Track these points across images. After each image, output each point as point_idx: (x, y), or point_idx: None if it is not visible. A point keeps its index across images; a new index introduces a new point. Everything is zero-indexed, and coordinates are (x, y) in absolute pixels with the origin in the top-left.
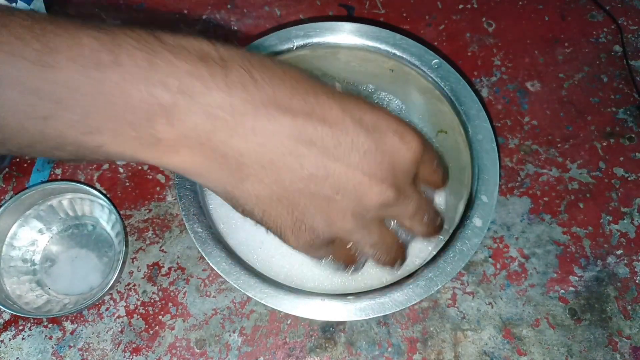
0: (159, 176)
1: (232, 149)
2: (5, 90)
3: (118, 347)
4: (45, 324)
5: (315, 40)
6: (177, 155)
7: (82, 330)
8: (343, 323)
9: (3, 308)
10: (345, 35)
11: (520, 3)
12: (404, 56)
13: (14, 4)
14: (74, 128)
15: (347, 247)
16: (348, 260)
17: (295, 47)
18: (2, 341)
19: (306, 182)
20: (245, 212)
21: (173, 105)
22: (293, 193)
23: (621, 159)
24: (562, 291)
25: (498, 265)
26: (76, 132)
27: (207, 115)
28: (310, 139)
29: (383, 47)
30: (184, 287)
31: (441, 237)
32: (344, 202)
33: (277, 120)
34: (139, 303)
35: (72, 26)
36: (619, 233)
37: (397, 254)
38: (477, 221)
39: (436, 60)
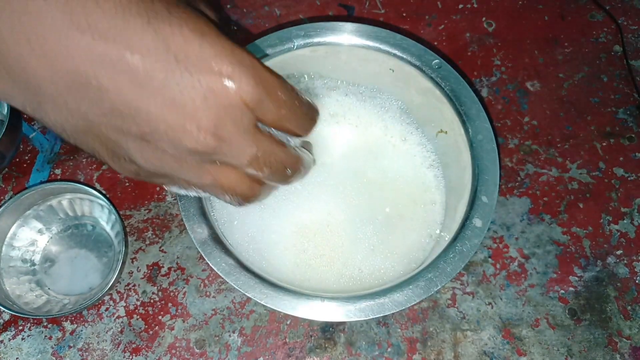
0: None
1: (20, 68)
2: None
3: (118, 347)
4: (45, 324)
5: (316, 40)
6: None
7: (81, 331)
8: (343, 323)
9: (3, 308)
10: (345, 35)
11: (520, 3)
12: (405, 56)
13: None
14: None
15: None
16: (193, 188)
17: (295, 47)
18: (1, 341)
19: (109, 116)
20: (61, 137)
21: None
22: (99, 127)
23: (621, 159)
24: (562, 291)
25: (498, 266)
26: None
27: None
28: (114, 68)
29: (383, 47)
30: (184, 287)
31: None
32: (159, 143)
33: (73, 37)
34: (138, 303)
35: None
36: (618, 233)
37: (242, 195)
38: (477, 222)
39: (436, 60)
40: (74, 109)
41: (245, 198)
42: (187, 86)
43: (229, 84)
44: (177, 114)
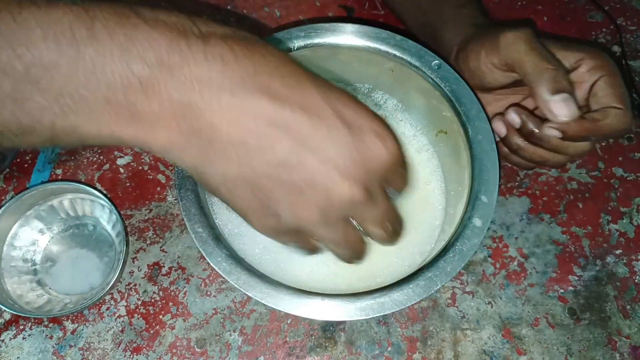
0: (160, 176)
1: (205, 123)
2: None
3: (119, 346)
4: (46, 323)
5: (316, 40)
6: (153, 132)
7: (82, 330)
8: (343, 322)
9: (4, 308)
10: (345, 36)
11: (520, 3)
12: (404, 57)
13: None
14: (47, 110)
15: (311, 238)
16: (312, 249)
17: (295, 48)
18: (2, 341)
19: (276, 167)
20: (212, 191)
21: (151, 78)
22: (261, 177)
23: (620, 158)
24: (562, 291)
25: (497, 265)
26: (50, 114)
27: (184, 88)
28: (286, 124)
29: (383, 47)
30: (185, 287)
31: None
32: (312, 195)
33: (254, 98)
34: (139, 303)
35: (44, 1)
36: (618, 233)
37: (358, 253)
38: (477, 221)
39: (436, 61)
40: (244, 161)
41: (358, 255)
42: (349, 143)
43: (386, 147)
44: (338, 168)
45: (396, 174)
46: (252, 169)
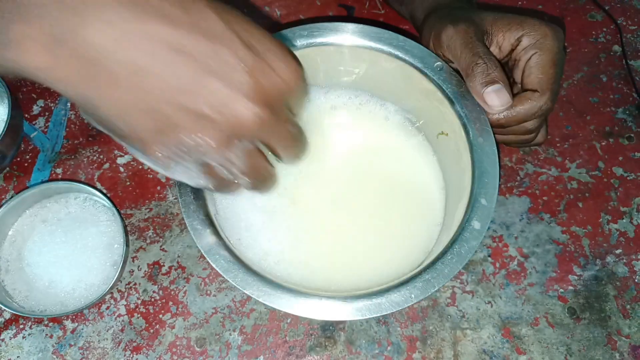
0: (160, 175)
1: (86, 43)
2: None
3: (119, 345)
4: (46, 322)
5: (319, 40)
6: (26, 54)
7: (82, 329)
8: (343, 322)
9: (4, 307)
10: (348, 35)
11: (520, 3)
12: (407, 58)
13: None
14: None
15: (216, 167)
16: (219, 182)
17: (298, 47)
18: (2, 340)
19: (177, 92)
20: (106, 123)
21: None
22: (160, 101)
23: (620, 158)
24: (562, 290)
25: (497, 265)
26: None
27: (62, 7)
28: (184, 47)
29: (386, 48)
30: (185, 286)
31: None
32: (217, 119)
33: (146, 20)
34: (139, 302)
35: None
36: (618, 232)
37: (264, 179)
38: (475, 224)
39: (438, 62)
40: (139, 85)
41: (264, 182)
42: (254, 68)
43: (291, 71)
44: (244, 92)
45: (297, 95)
46: (148, 93)
